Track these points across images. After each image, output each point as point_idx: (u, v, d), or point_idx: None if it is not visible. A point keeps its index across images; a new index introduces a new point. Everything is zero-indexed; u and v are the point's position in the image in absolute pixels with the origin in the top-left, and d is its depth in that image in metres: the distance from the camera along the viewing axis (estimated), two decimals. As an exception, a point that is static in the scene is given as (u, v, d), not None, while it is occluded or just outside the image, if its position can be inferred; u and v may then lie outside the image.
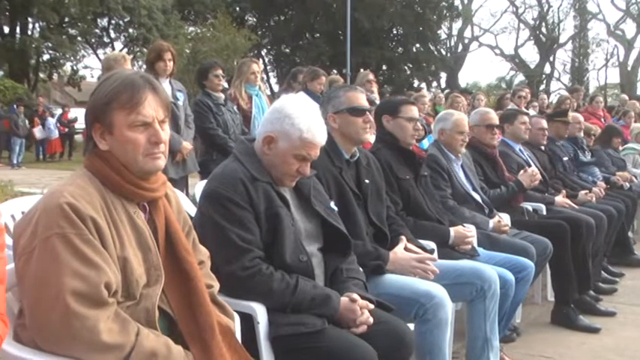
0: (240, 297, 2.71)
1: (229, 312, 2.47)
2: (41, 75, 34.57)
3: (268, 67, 41.88)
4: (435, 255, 3.77)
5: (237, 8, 38.25)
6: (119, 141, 2.15)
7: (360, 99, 3.69)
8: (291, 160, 2.90)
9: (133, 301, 2.11)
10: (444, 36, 47.20)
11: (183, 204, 2.56)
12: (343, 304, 2.80)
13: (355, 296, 2.82)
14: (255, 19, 41.28)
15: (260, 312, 2.72)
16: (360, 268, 3.19)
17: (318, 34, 40.41)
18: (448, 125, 5.04)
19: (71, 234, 1.99)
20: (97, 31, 34.82)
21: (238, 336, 2.47)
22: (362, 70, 10.35)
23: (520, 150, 6.21)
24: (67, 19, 32.28)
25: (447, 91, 23.87)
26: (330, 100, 3.72)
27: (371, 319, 2.79)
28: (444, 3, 42.88)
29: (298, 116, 2.89)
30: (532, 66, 50.01)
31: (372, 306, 2.85)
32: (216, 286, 2.49)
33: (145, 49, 29.18)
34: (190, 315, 2.23)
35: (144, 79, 2.20)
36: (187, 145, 6.11)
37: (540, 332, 5.09)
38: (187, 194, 5.68)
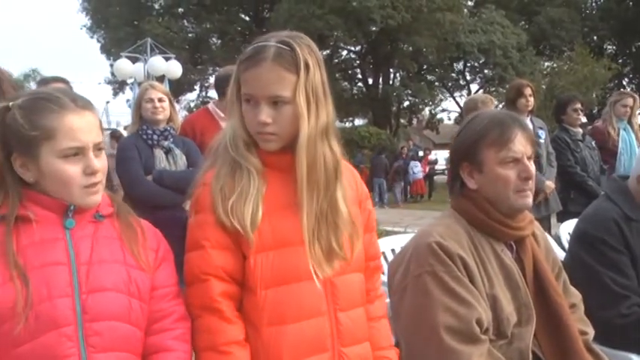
0: (616, 347, 2.53)
1: (606, 362, 2.32)
2: (401, 120, 36.66)
3: (632, 98, 39.04)
4: None
5: (595, 37, 36.57)
6: (489, 178, 2.19)
7: None
8: (672, 198, 2.66)
9: (504, 340, 2.11)
10: None
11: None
12: None
13: None
14: (614, 47, 39.00)
15: (639, 364, 2.51)
16: None
17: (689, 57, 36.75)
18: None
19: (441, 271, 2.06)
20: (453, 75, 35.98)
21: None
22: None
23: None
24: (424, 67, 33.93)
25: None
26: None
27: None
28: None
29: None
30: None
31: None
32: (591, 332, 2.36)
33: (500, 89, 29.33)
34: (564, 361, 2.15)
35: (511, 117, 2.23)
36: (550, 184, 5.94)
37: None
38: (550, 234, 5.50)
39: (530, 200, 2.20)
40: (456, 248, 2.10)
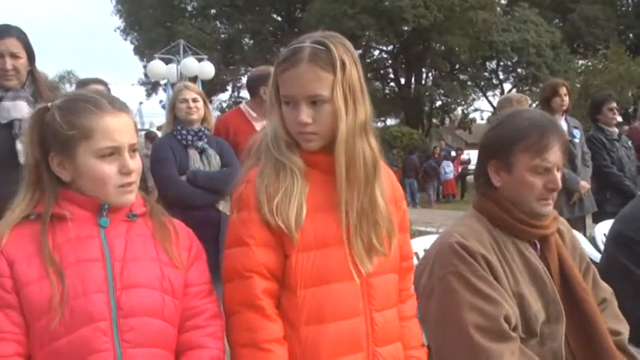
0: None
1: (641, 364, 2.28)
2: (434, 120, 36.44)
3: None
4: None
5: (631, 35, 35.97)
6: (517, 181, 2.17)
7: None
8: None
9: (535, 340, 2.10)
10: None
11: (581, 243, 2.46)
12: None
13: None
14: (652, 44, 38.35)
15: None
16: None
17: None
18: None
19: (465, 271, 2.06)
20: (485, 74, 35.66)
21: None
22: None
23: None
24: (457, 66, 33.70)
25: None
26: None
27: None
28: None
29: None
30: None
31: None
32: (625, 331, 2.32)
33: (533, 88, 29.01)
34: (594, 362, 2.12)
35: (551, 123, 2.20)
36: (585, 184, 5.87)
37: None
38: (585, 235, 5.43)
39: (550, 208, 2.19)
40: (477, 247, 2.10)
